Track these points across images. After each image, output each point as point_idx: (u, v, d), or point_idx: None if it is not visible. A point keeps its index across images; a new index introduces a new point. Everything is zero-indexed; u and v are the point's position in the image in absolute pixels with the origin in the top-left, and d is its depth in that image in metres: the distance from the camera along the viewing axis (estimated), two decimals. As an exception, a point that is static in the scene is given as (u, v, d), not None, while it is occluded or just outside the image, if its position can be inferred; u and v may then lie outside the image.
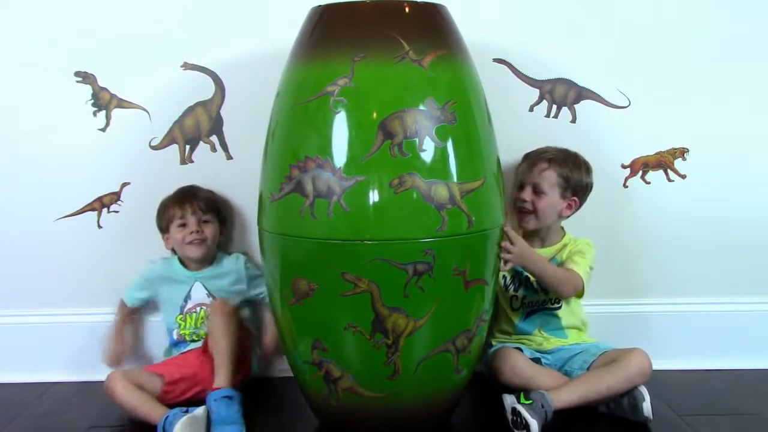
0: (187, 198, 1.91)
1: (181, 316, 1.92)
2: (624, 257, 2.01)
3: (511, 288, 1.92)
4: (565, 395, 1.68)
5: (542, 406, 1.62)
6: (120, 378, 1.71)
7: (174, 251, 1.96)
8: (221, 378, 1.66)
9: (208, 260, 1.95)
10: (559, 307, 1.90)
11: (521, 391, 1.69)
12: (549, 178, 1.84)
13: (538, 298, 1.90)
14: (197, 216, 1.89)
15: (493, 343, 1.92)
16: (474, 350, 1.64)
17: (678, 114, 1.98)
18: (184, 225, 1.89)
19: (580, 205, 1.89)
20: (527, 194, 1.86)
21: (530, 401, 1.63)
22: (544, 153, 1.87)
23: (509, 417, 1.64)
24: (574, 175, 1.86)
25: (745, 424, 1.72)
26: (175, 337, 1.92)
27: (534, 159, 1.87)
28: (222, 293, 1.93)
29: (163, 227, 1.93)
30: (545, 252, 1.90)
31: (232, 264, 1.96)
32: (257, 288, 1.96)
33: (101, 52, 1.93)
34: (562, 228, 1.94)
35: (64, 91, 1.94)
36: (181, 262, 1.96)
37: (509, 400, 1.66)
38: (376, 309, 1.49)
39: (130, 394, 1.69)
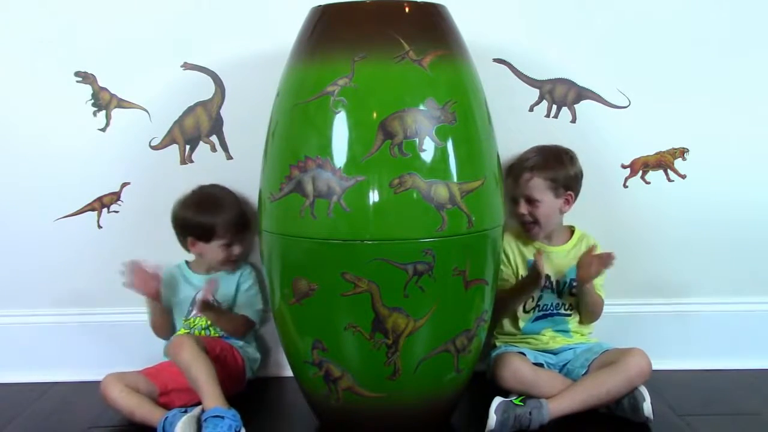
0: (236, 224, 1.88)
1: (186, 320, 1.91)
2: (624, 257, 1.99)
3: None
4: (565, 403, 1.68)
5: (530, 413, 1.62)
6: (116, 381, 1.70)
7: (194, 256, 1.94)
8: (207, 400, 1.63)
9: None
10: (570, 314, 1.91)
11: (522, 395, 1.70)
12: (537, 185, 1.83)
13: (554, 301, 1.90)
14: (237, 240, 1.90)
15: (497, 344, 1.92)
16: (474, 350, 1.64)
17: (678, 114, 1.98)
18: (228, 245, 1.88)
19: (576, 195, 1.89)
20: (523, 207, 1.86)
21: (522, 404, 1.64)
22: (525, 161, 1.85)
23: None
24: (560, 173, 1.84)
25: (745, 424, 1.72)
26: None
27: (517, 171, 1.86)
28: (228, 300, 1.92)
29: (201, 237, 1.88)
30: (561, 249, 1.89)
31: (238, 275, 1.94)
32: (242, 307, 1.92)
33: (101, 51, 1.93)
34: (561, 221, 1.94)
35: (64, 91, 1.94)
36: (188, 265, 1.96)
37: (499, 399, 1.66)
38: (376, 309, 1.49)
39: (127, 397, 1.69)
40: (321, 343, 1.56)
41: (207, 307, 1.84)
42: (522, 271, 1.90)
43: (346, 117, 1.48)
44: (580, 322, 1.92)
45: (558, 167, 1.85)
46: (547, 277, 1.88)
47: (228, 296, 1.92)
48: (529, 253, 1.90)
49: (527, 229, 1.89)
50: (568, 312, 1.90)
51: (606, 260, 1.78)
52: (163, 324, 1.91)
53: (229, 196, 1.92)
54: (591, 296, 1.85)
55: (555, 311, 1.90)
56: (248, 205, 1.95)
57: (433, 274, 1.49)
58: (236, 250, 1.91)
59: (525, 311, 1.90)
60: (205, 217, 1.86)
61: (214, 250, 1.89)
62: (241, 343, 1.92)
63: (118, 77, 1.95)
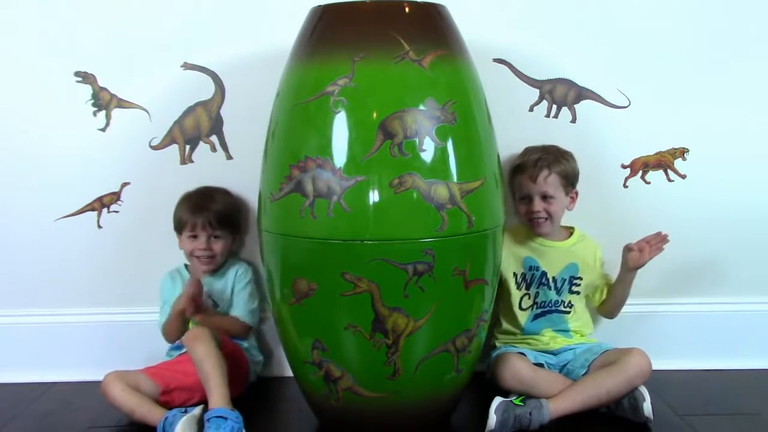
0: (201, 210, 1.86)
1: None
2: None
3: (523, 286, 1.91)
4: (565, 403, 1.68)
5: (530, 414, 1.63)
6: (117, 380, 1.70)
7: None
8: (214, 399, 1.63)
9: (215, 269, 1.93)
10: (569, 311, 1.91)
11: (522, 395, 1.70)
12: (554, 182, 1.84)
13: (551, 298, 1.90)
14: (207, 231, 1.87)
15: (497, 345, 1.92)
16: (474, 350, 1.64)
17: (678, 114, 1.98)
18: (194, 237, 1.88)
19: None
20: (539, 205, 1.85)
21: (522, 404, 1.64)
22: (539, 160, 1.85)
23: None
24: (569, 169, 1.87)
25: (745, 424, 1.72)
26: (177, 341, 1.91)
27: (532, 169, 1.85)
28: (224, 300, 1.92)
29: (176, 229, 1.91)
30: (563, 244, 1.90)
31: (233, 275, 1.93)
32: (235, 308, 1.92)
33: (101, 52, 1.93)
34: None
35: (64, 91, 1.94)
36: (187, 268, 1.95)
37: (499, 399, 1.66)
38: (376, 309, 1.49)
39: (127, 396, 1.68)
40: (321, 343, 1.56)
41: (195, 308, 1.81)
42: (514, 269, 1.90)
43: (346, 117, 1.48)
44: (604, 314, 1.95)
45: (567, 163, 1.87)
46: (545, 273, 1.88)
47: (224, 297, 1.92)
48: (524, 251, 1.90)
49: (536, 227, 1.88)
50: (567, 310, 1.90)
51: (661, 242, 1.82)
52: (177, 331, 1.86)
53: (220, 195, 1.91)
54: (629, 287, 1.88)
55: (554, 308, 1.90)
56: (243, 207, 1.96)
57: (433, 274, 1.49)
58: (201, 244, 1.86)
59: (522, 309, 1.91)
60: (178, 209, 1.90)
61: (183, 241, 1.90)
62: (246, 344, 1.92)
63: (118, 77, 1.95)
